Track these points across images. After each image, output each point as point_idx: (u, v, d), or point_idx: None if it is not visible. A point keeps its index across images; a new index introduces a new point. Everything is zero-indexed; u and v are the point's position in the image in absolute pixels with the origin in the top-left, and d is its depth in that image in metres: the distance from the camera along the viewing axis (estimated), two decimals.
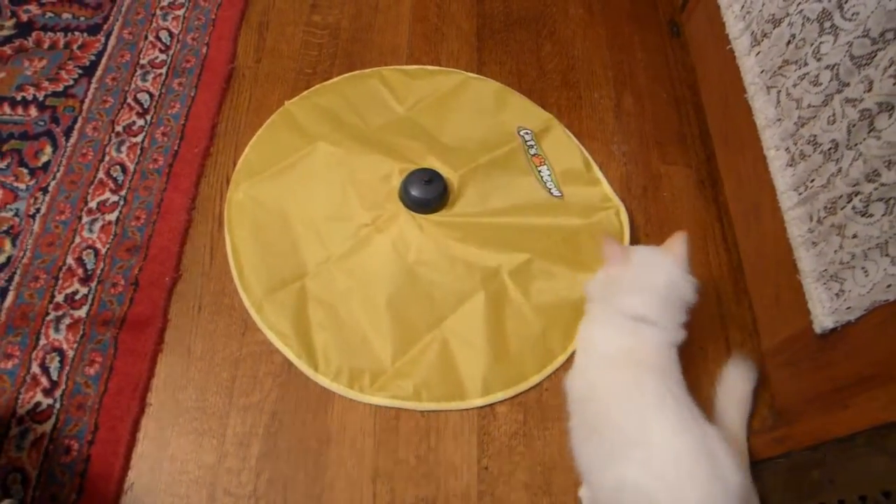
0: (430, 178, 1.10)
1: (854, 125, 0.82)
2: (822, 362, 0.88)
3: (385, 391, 0.98)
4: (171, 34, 1.31)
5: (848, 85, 0.85)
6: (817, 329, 0.87)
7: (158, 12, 1.34)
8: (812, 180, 0.90)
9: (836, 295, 0.84)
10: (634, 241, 1.16)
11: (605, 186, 1.19)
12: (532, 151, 1.20)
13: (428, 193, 1.09)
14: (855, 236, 0.81)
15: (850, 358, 0.83)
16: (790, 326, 0.95)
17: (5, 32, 1.27)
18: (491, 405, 0.99)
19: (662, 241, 1.15)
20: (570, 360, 1.02)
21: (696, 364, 1.05)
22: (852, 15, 0.85)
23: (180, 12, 1.34)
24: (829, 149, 0.87)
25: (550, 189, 1.17)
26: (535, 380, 1.00)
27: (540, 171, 1.18)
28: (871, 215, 0.78)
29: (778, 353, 0.99)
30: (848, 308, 0.81)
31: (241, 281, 1.05)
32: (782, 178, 0.97)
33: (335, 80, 1.28)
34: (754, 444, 0.97)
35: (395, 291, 1.04)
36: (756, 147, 1.04)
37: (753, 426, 0.99)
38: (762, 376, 1.02)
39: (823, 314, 0.86)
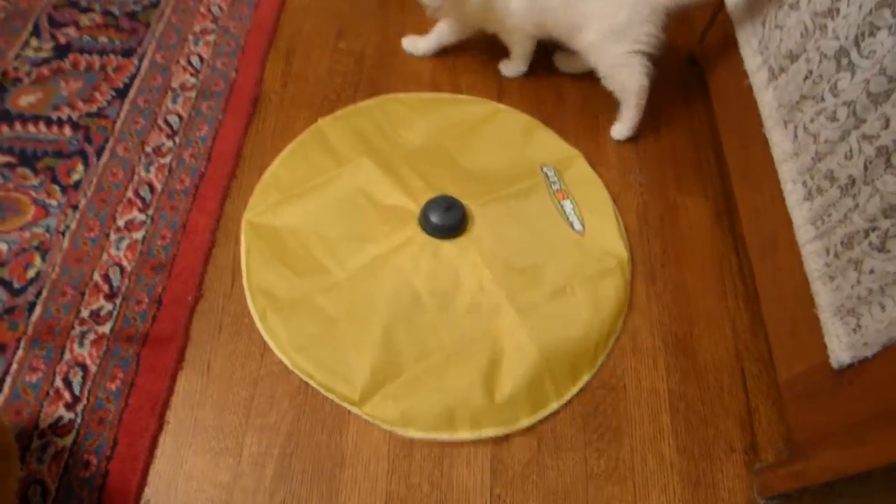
0: (449, 205, 1.12)
1: (871, 161, 0.83)
2: (839, 397, 0.88)
3: (373, 411, 0.99)
4: (201, 59, 1.35)
5: (865, 121, 0.85)
6: (834, 364, 0.86)
7: (190, 38, 1.39)
8: (829, 215, 0.91)
9: (853, 330, 0.84)
10: (650, 273, 1.16)
11: (622, 229, 1.20)
12: (555, 187, 1.22)
13: (447, 220, 1.11)
14: (872, 272, 0.81)
15: (867, 393, 0.82)
16: (807, 360, 0.95)
17: (44, 54, 1.32)
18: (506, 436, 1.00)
19: (681, 274, 1.16)
20: (563, 409, 1.02)
21: (711, 395, 1.05)
22: (869, 53, 0.86)
23: (211, 38, 1.39)
24: (846, 184, 0.87)
25: (573, 223, 1.18)
26: (525, 423, 1.00)
27: (563, 205, 1.20)
28: (888, 251, 0.79)
29: (794, 387, 0.98)
30: (865, 343, 0.81)
31: (249, 289, 1.08)
32: (799, 211, 0.98)
33: (367, 102, 1.32)
34: (770, 478, 0.96)
35: (401, 315, 1.05)
36: (773, 180, 1.05)
37: (769, 460, 0.99)
38: (779, 408, 1.02)
39: (840, 349, 0.86)
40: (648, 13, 1.19)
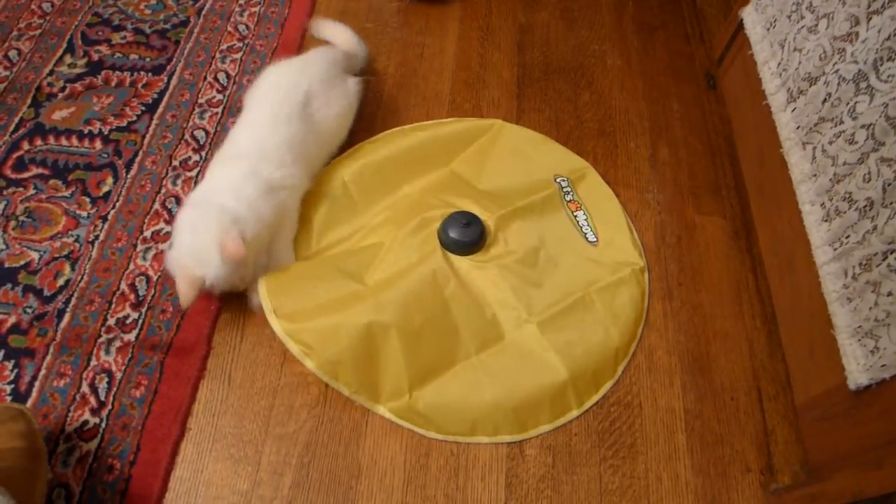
0: (468, 221, 1.13)
1: (889, 184, 0.83)
2: (856, 419, 0.87)
3: (398, 413, 1.01)
4: (228, 76, 1.39)
5: (883, 144, 0.86)
6: (851, 385, 0.86)
7: (218, 55, 1.42)
8: (847, 236, 0.91)
9: (871, 352, 0.84)
10: (667, 291, 1.17)
11: (636, 239, 1.21)
12: (568, 198, 1.23)
13: (466, 236, 1.13)
14: (890, 294, 0.81)
15: (885, 416, 0.82)
16: (824, 381, 0.95)
17: (77, 70, 1.37)
18: (519, 445, 1.00)
19: (698, 293, 1.16)
20: (578, 425, 1.03)
21: (727, 414, 1.05)
22: (888, 77, 0.87)
23: (238, 56, 1.43)
24: (865, 206, 0.88)
25: (586, 234, 1.19)
26: (545, 428, 1.02)
27: (576, 216, 1.21)
28: None
29: (812, 408, 0.98)
30: (883, 366, 0.81)
31: (271, 299, 1.06)
32: (817, 232, 0.98)
33: (375, 138, 1.32)
34: (786, 500, 0.96)
35: (426, 322, 1.06)
36: (791, 201, 1.05)
37: (785, 481, 0.98)
38: (796, 429, 1.01)
39: (858, 371, 0.86)
40: None
